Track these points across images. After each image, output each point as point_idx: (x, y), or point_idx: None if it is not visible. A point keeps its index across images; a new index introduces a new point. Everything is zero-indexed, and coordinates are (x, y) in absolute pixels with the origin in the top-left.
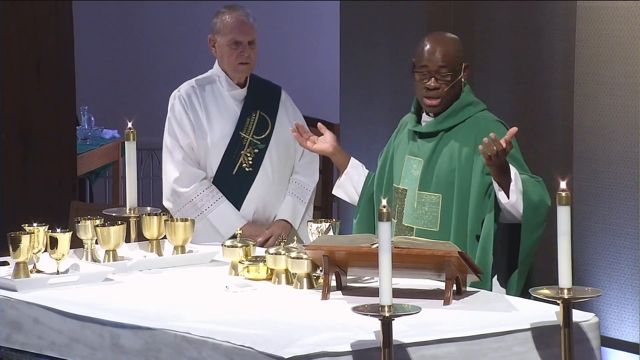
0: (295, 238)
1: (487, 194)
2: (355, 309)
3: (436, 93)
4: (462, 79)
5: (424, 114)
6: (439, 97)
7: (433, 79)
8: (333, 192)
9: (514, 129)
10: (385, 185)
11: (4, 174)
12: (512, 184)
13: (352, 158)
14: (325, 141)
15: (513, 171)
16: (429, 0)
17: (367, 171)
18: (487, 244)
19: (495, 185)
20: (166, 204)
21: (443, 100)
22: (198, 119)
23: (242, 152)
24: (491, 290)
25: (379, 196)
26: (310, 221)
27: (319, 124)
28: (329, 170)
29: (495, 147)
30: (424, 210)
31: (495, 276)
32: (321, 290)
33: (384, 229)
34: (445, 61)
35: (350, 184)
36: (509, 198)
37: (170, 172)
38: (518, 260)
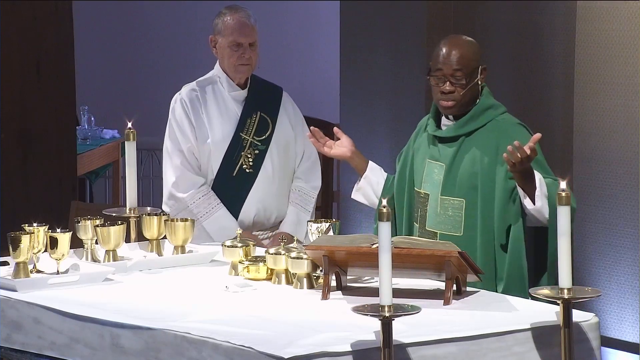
0: (295, 238)
1: (512, 199)
2: (355, 309)
3: (452, 96)
4: (479, 82)
5: (443, 118)
6: (454, 99)
7: (448, 82)
8: (352, 197)
9: (537, 135)
10: (407, 189)
11: (4, 174)
12: (537, 189)
13: (370, 162)
14: (343, 145)
15: (538, 176)
16: (429, 0)
17: (386, 174)
18: (518, 251)
19: (520, 191)
20: (165, 207)
21: (459, 102)
22: (200, 121)
23: (243, 153)
24: (528, 297)
25: (400, 199)
26: (310, 221)
27: (335, 129)
28: (329, 171)
29: (519, 155)
30: (448, 215)
31: None
32: (321, 290)
33: (384, 229)
34: (460, 64)
35: (370, 187)
36: (534, 204)
37: (169, 176)
38: (547, 263)
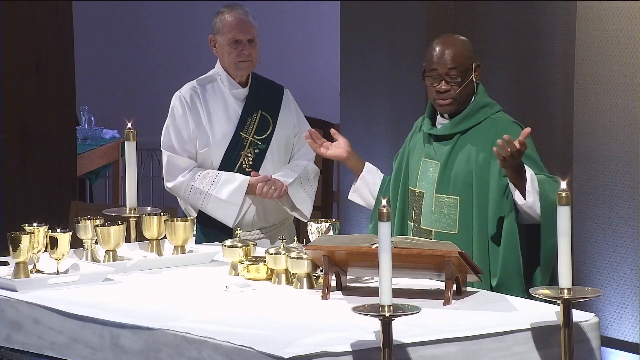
0: (295, 238)
1: (505, 195)
2: (355, 309)
3: (448, 95)
4: (474, 79)
5: (438, 117)
6: (451, 97)
7: (443, 81)
8: (349, 197)
9: (527, 130)
10: (401, 188)
11: (4, 174)
12: (527, 184)
13: (367, 162)
14: (339, 146)
15: (529, 172)
16: (429, 0)
17: (382, 175)
18: (513, 246)
19: (512, 186)
20: (182, 204)
21: (456, 101)
22: (199, 120)
23: (243, 152)
24: (524, 292)
25: (394, 198)
26: (310, 221)
27: (332, 130)
28: (329, 171)
29: (509, 149)
30: (443, 213)
31: None
32: (321, 290)
33: (384, 229)
34: (454, 63)
35: (366, 188)
36: (525, 199)
37: (163, 173)
38: (539, 259)
